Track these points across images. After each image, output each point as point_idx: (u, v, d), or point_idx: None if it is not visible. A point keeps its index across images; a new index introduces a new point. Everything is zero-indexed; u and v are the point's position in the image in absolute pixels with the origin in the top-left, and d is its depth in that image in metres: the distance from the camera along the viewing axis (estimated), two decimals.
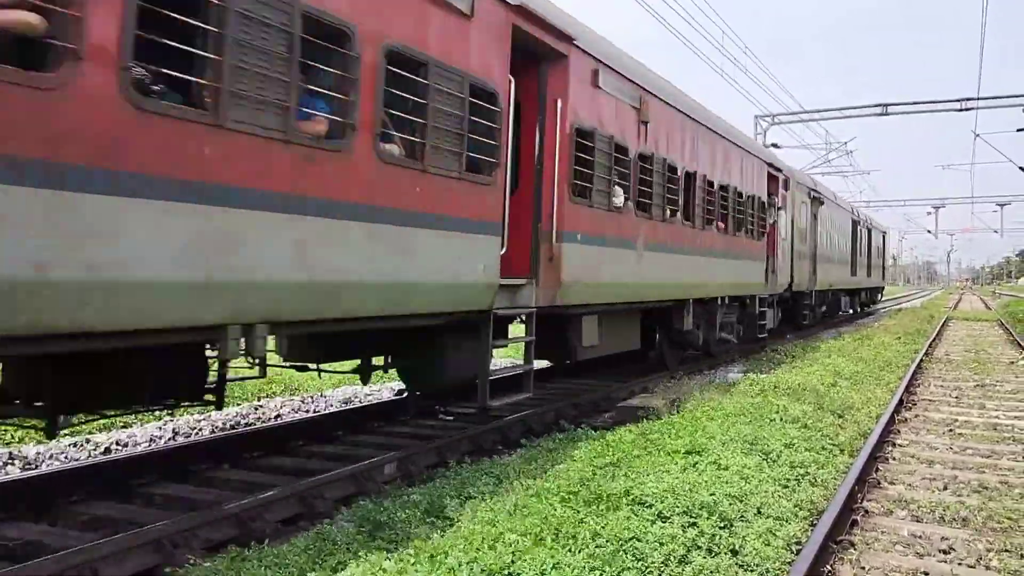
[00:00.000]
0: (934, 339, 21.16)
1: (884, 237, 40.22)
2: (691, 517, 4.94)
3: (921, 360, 15.68)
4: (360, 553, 4.41)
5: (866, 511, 6.09)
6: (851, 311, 32.59)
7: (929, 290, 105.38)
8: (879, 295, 41.12)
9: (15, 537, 5.08)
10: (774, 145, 32.45)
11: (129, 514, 5.59)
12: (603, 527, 4.58)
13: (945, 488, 6.80)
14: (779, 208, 17.30)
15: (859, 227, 30.19)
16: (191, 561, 4.50)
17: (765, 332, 17.00)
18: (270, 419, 9.51)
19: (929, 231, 79.79)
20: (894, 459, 7.83)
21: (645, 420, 8.12)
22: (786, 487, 6.04)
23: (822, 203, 22.65)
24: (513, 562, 3.92)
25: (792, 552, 4.86)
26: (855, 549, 5.28)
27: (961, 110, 30.33)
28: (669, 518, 4.89)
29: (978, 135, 36.47)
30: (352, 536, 4.86)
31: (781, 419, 8.08)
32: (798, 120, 35.62)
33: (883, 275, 39.97)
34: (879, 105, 32.55)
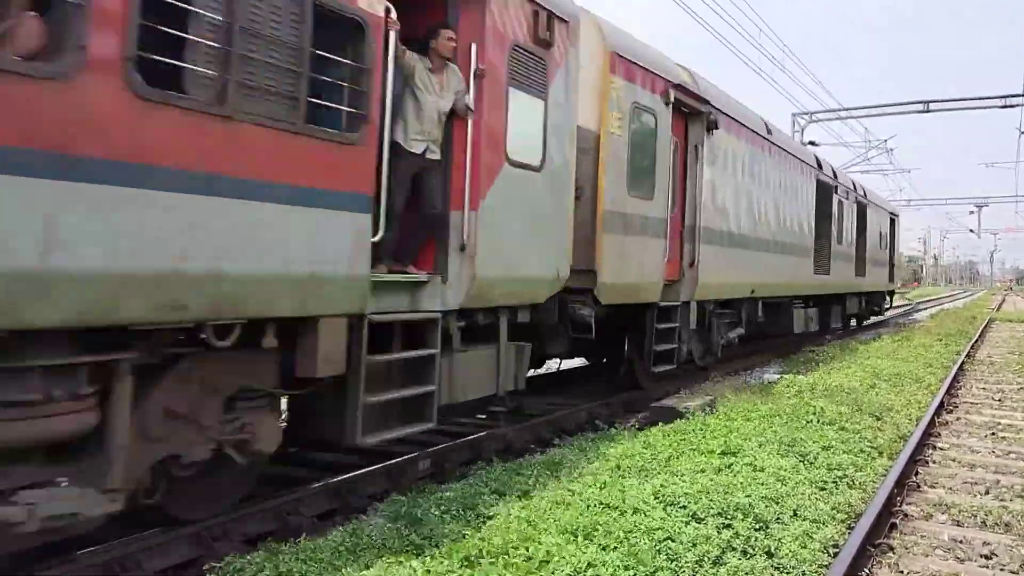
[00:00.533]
0: (976, 340, 20.73)
1: (894, 223, 26.32)
2: (726, 518, 4.92)
3: (963, 362, 15.38)
4: (394, 549, 4.45)
5: (905, 515, 6.00)
6: (823, 329, 19.15)
7: (971, 291, 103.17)
8: (883, 302, 26.32)
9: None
10: (811, 143, 32.00)
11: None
12: (636, 527, 4.57)
13: (987, 492, 6.67)
14: (480, 76, 6.29)
15: (835, 195, 17.88)
16: (229, 554, 4.57)
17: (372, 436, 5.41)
18: None
19: (971, 230, 78.19)
20: (934, 462, 7.69)
21: (679, 420, 8.07)
22: (823, 489, 5.98)
23: (715, 126, 10.88)
24: (547, 561, 3.93)
25: (829, 555, 4.81)
26: (894, 553, 5.20)
27: (1005, 107, 29.65)
28: (703, 519, 4.87)
29: (1023, 132, 35.63)
30: (386, 532, 4.90)
31: (818, 421, 8.00)
32: (836, 118, 35.11)
33: (891, 274, 26.10)
34: (920, 102, 31.94)
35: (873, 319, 26.60)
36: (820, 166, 17.09)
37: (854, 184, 20.78)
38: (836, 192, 18.02)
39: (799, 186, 15.32)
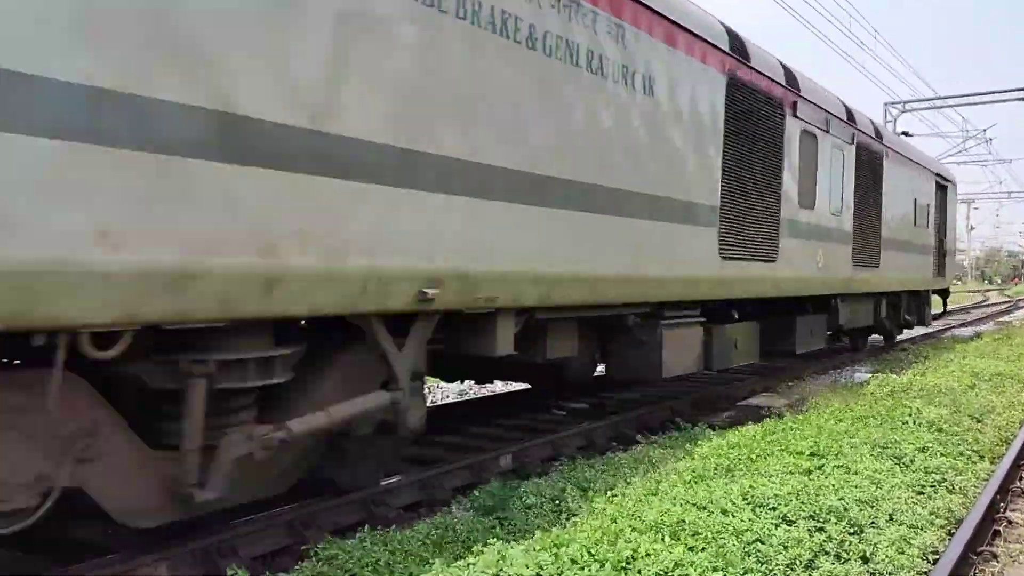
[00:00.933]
0: None
1: (945, 191, 18.20)
2: (818, 521, 4.78)
3: None
4: (481, 540, 4.49)
5: (1009, 521, 5.73)
6: (778, 353, 11.37)
7: None
8: (925, 308, 17.92)
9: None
10: (904, 133, 30.76)
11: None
12: (724, 528, 4.49)
13: None
14: None
15: (792, 119, 9.92)
16: (321, 542, 4.69)
17: None
18: None
19: None
20: None
21: (766, 420, 7.90)
22: (921, 493, 5.76)
23: None
24: (633, 558, 3.90)
25: (928, 562, 4.63)
26: (997, 561, 4.98)
27: None
28: (794, 521, 4.75)
29: None
30: (472, 524, 4.96)
31: (914, 422, 7.69)
32: (931, 107, 33.70)
33: (941, 266, 17.94)
34: (1022, 89, 30.34)
35: (908, 333, 18.10)
36: (744, 54, 8.77)
37: (850, 113, 12.09)
38: (795, 114, 9.95)
39: (651, 72, 7.12)
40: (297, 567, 4.31)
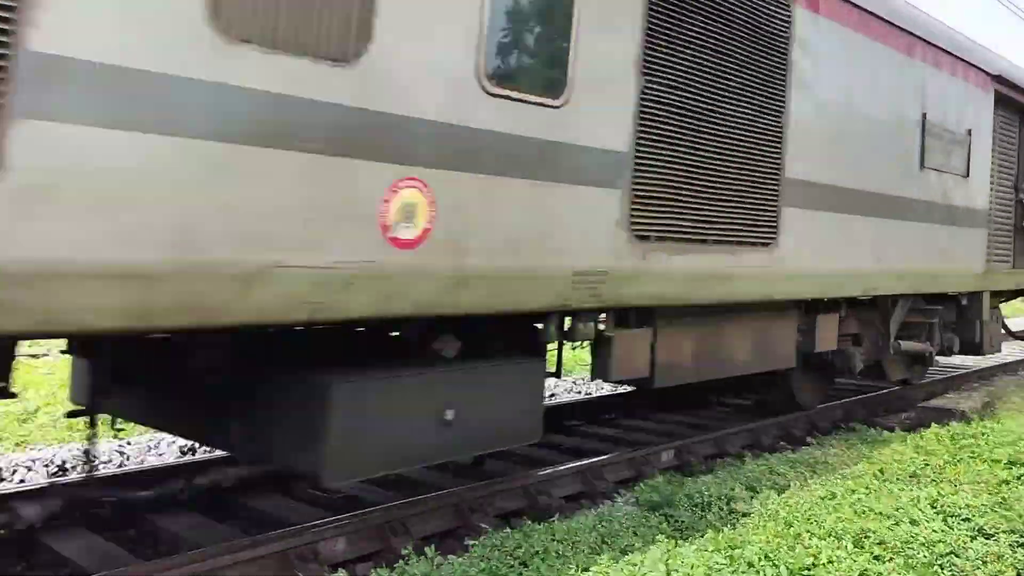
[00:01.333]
0: None
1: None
2: (1021, 536, 4.37)
3: None
4: (648, 537, 4.41)
5: None
6: None
7: None
8: (981, 323, 9.28)
9: (337, 490, 5.70)
10: None
11: (429, 478, 6.06)
12: (913, 538, 4.19)
13: None
14: None
15: None
16: (485, 527, 4.76)
17: None
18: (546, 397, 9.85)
19: None
20: None
21: (952, 423, 7.31)
22: None
23: None
24: (814, 564, 3.71)
25: None
26: None
27: None
28: (993, 535, 4.37)
29: None
30: (637, 519, 4.88)
31: None
32: None
33: (1020, 250, 9.77)
34: None
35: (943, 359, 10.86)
36: None
37: None
38: None
39: None
40: (466, 551, 4.38)
